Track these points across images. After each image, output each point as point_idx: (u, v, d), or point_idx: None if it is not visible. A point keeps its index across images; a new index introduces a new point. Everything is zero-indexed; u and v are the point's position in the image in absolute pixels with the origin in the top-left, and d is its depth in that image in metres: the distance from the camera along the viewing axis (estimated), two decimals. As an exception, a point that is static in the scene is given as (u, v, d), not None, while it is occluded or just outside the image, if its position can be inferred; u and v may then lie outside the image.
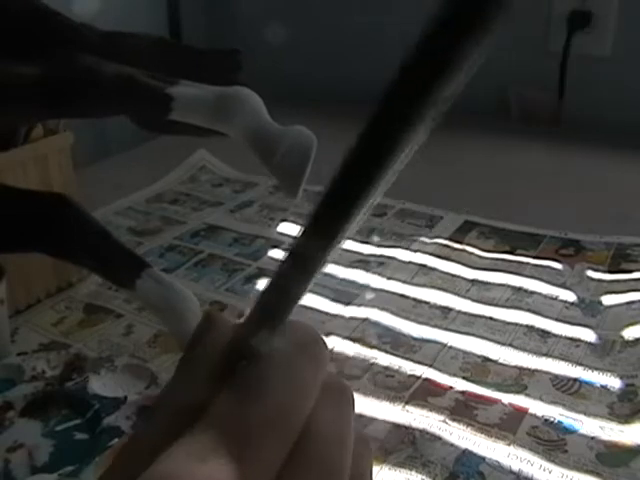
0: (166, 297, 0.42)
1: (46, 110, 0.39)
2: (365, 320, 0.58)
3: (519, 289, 0.63)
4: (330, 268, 0.67)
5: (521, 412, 0.47)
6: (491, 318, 0.59)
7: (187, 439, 0.18)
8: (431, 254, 0.69)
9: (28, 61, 0.37)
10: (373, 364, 0.53)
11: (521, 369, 0.52)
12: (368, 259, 0.69)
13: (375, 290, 0.63)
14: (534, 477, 0.42)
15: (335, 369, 0.52)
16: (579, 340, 0.55)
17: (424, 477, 0.42)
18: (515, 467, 0.42)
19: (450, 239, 0.72)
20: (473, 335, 0.56)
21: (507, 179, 0.89)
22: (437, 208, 0.80)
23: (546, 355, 0.53)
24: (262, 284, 0.65)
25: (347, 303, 0.61)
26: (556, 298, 0.61)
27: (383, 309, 0.60)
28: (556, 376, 0.51)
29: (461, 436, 0.45)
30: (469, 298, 0.62)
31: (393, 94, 0.14)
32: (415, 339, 0.56)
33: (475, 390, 0.50)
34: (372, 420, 0.47)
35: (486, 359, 0.53)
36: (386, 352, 0.54)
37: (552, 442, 0.44)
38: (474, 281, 0.65)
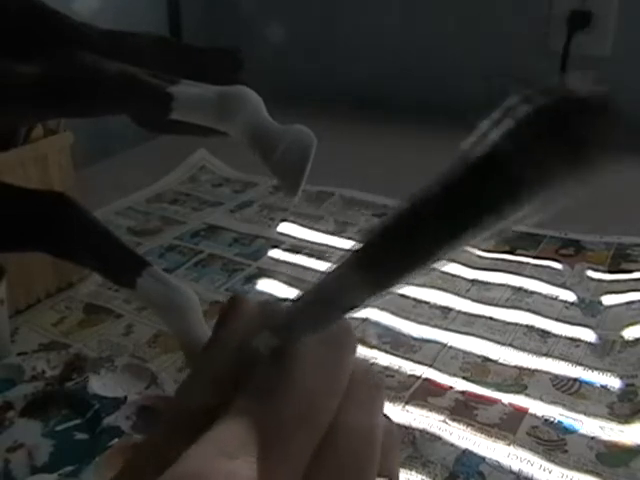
0: (167, 296, 0.42)
1: (47, 110, 0.39)
2: (365, 320, 0.58)
3: (519, 289, 0.63)
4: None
5: (521, 412, 0.47)
6: (491, 318, 0.59)
7: (212, 435, 0.18)
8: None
9: (28, 60, 0.37)
10: (373, 364, 0.53)
11: (521, 369, 0.52)
12: (368, 259, 0.69)
13: (375, 290, 0.63)
14: (534, 477, 0.42)
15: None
16: (579, 340, 0.55)
17: (424, 477, 0.42)
18: (515, 467, 0.42)
19: (450, 239, 0.72)
20: (473, 335, 0.56)
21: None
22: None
23: (546, 355, 0.53)
24: (262, 284, 0.65)
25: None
26: (556, 298, 0.61)
27: (383, 309, 0.60)
28: (556, 376, 0.51)
29: (461, 436, 0.45)
30: (469, 298, 0.62)
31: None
32: (415, 339, 0.56)
33: (475, 390, 0.50)
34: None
35: (486, 359, 0.53)
36: (386, 352, 0.54)
37: (552, 442, 0.44)
38: (474, 281, 0.65)
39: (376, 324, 0.58)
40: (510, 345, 0.55)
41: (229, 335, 0.22)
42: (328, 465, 0.19)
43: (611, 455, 0.43)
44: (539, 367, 0.52)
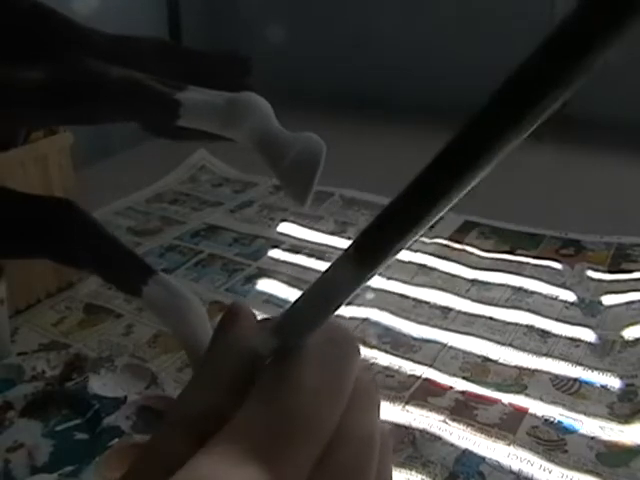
0: (174, 304, 0.41)
1: (51, 115, 0.39)
2: (365, 320, 0.58)
3: (519, 289, 0.63)
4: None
5: (521, 412, 0.47)
6: (491, 318, 0.59)
7: (218, 442, 0.18)
8: (431, 254, 0.69)
9: (34, 64, 0.37)
10: (373, 364, 0.53)
11: (521, 369, 0.52)
12: (368, 259, 0.69)
13: (375, 290, 0.63)
14: (534, 477, 0.42)
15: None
16: (579, 340, 0.55)
17: (424, 477, 0.42)
18: (515, 467, 0.42)
19: (450, 239, 0.72)
20: (473, 335, 0.56)
21: (507, 179, 0.88)
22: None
23: (546, 355, 0.53)
24: (262, 284, 0.65)
25: (347, 303, 0.61)
26: (556, 298, 0.61)
27: (383, 309, 0.60)
28: (556, 376, 0.51)
29: (461, 436, 0.45)
30: (469, 298, 0.62)
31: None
32: (415, 339, 0.56)
33: (475, 390, 0.50)
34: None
35: (486, 359, 0.53)
36: (386, 352, 0.54)
37: (552, 442, 0.44)
38: (474, 281, 0.65)
39: (376, 324, 0.58)
40: (510, 345, 0.55)
41: (231, 339, 0.22)
42: (331, 469, 0.19)
43: (611, 455, 0.43)
44: (539, 367, 0.52)
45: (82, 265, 0.44)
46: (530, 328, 0.57)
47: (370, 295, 0.62)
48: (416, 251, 0.70)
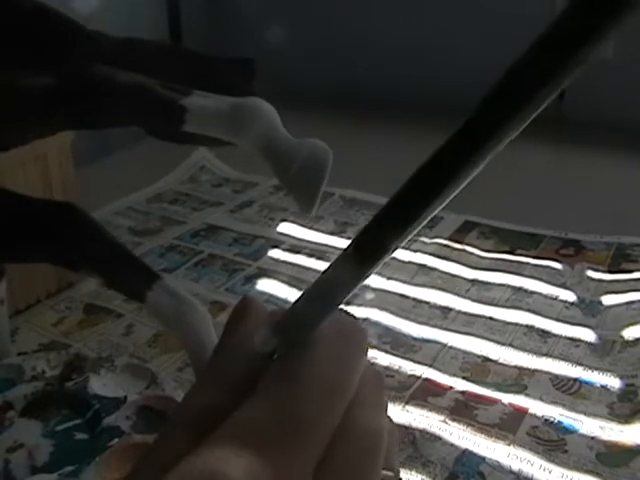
0: (177, 310, 0.41)
1: (58, 121, 0.39)
2: (365, 320, 0.58)
3: (519, 289, 0.63)
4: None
5: (521, 412, 0.47)
6: (491, 318, 0.59)
7: (220, 436, 0.18)
8: (431, 254, 0.69)
9: (40, 69, 0.37)
10: (373, 364, 0.53)
11: (521, 369, 0.52)
12: (368, 259, 0.69)
13: (375, 290, 0.63)
14: (534, 477, 0.42)
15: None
16: (579, 340, 0.55)
17: (424, 477, 0.42)
18: (515, 467, 0.42)
19: (450, 239, 0.72)
20: (473, 335, 0.56)
21: (507, 179, 0.88)
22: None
23: (546, 355, 0.53)
24: (262, 284, 0.65)
25: (347, 303, 0.61)
26: (556, 298, 0.61)
27: (383, 309, 0.60)
28: (556, 376, 0.51)
29: (461, 436, 0.45)
30: (469, 298, 0.62)
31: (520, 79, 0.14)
32: (415, 339, 0.56)
33: (475, 390, 0.50)
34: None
35: (486, 359, 0.53)
36: (386, 352, 0.54)
37: (552, 442, 0.44)
38: (474, 281, 0.65)
39: (376, 324, 0.58)
40: (510, 345, 0.55)
41: (240, 336, 0.22)
42: (338, 461, 0.19)
43: (611, 455, 0.43)
44: (539, 367, 0.52)
45: (86, 269, 0.44)
46: (530, 328, 0.57)
47: (370, 295, 0.62)
48: (416, 251, 0.70)
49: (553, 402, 0.48)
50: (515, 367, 0.52)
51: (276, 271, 0.68)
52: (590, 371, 0.51)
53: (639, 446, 0.44)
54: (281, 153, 0.36)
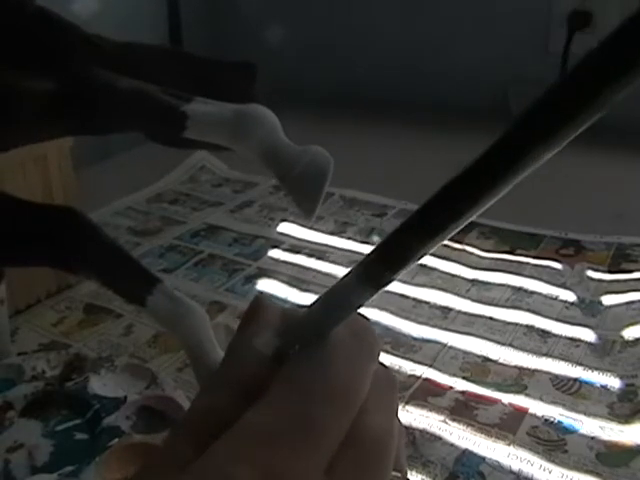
0: (177, 314, 0.41)
1: (59, 127, 0.39)
2: (365, 320, 0.58)
3: (519, 289, 0.63)
4: (329, 268, 0.67)
5: (521, 412, 0.47)
6: (491, 318, 0.59)
7: (245, 424, 0.18)
8: (431, 254, 0.69)
9: (41, 74, 0.36)
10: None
11: (521, 369, 0.52)
12: (368, 259, 0.69)
13: (375, 290, 0.63)
14: (534, 477, 0.42)
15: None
16: (579, 340, 0.55)
17: (424, 477, 0.42)
18: (515, 467, 0.42)
19: (450, 239, 0.72)
20: (473, 335, 0.56)
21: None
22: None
23: (546, 355, 0.53)
24: (262, 284, 0.65)
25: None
26: (556, 298, 0.61)
27: (383, 309, 0.60)
28: (556, 376, 0.51)
29: (461, 436, 0.45)
30: (469, 298, 0.62)
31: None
32: (415, 339, 0.56)
33: (475, 390, 0.50)
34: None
35: (486, 359, 0.53)
36: (386, 352, 0.54)
37: (552, 442, 0.44)
38: (474, 281, 0.65)
39: (376, 324, 0.58)
40: (510, 345, 0.55)
41: (245, 341, 0.22)
42: (349, 463, 0.19)
43: (611, 455, 0.43)
44: (539, 367, 0.52)
45: (87, 273, 0.44)
46: (530, 328, 0.57)
47: (370, 295, 0.62)
48: (416, 251, 0.69)
49: (553, 402, 0.48)
50: (515, 367, 0.52)
51: (276, 271, 0.68)
52: (590, 371, 0.51)
53: (639, 446, 0.44)
54: (283, 159, 0.36)
